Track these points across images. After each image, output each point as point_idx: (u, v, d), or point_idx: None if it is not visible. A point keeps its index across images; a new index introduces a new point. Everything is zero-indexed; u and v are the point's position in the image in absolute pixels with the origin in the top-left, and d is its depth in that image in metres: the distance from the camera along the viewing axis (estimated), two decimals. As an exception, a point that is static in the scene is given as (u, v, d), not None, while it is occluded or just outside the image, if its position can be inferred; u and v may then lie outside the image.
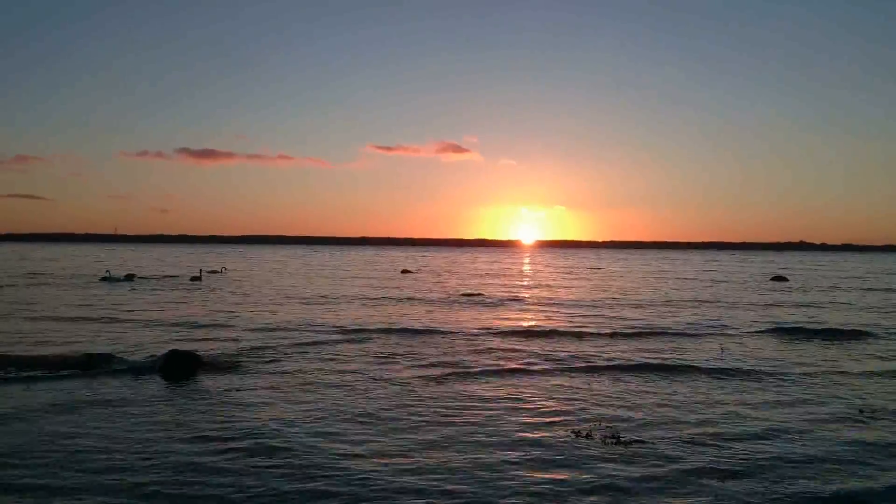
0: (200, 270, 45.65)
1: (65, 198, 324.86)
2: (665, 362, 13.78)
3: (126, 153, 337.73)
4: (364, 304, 25.96)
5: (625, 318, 21.91)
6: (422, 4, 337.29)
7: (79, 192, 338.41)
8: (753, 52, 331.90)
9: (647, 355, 14.67)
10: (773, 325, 19.98)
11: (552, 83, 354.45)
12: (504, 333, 18.01)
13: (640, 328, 19.32)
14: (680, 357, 14.55)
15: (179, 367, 12.37)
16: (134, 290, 32.18)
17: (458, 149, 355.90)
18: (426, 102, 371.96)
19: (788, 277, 49.66)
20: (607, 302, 27.75)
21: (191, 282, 39.59)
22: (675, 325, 19.98)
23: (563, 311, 24.27)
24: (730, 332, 18.95)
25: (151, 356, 13.23)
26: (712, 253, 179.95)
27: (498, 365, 13.30)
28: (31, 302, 25.03)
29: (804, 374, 12.75)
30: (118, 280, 38.92)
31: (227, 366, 12.89)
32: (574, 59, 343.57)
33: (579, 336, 17.68)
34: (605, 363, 13.65)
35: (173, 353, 12.77)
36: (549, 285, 39.67)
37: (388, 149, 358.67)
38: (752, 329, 19.37)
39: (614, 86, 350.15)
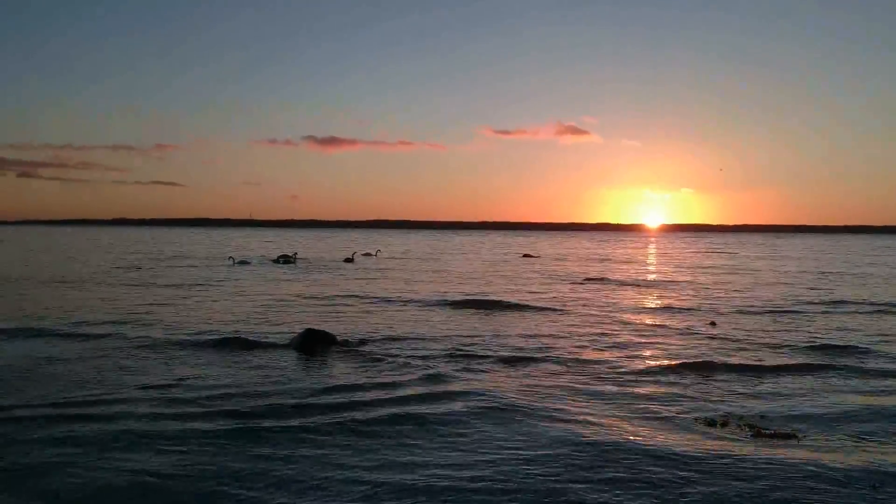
0: (354, 253, 46.76)
1: (201, 184, 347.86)
2: None
3: (256, 141, 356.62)
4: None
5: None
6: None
7: (213, 178, 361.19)
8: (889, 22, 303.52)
9: None
10: None
11: (674, 61, 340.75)
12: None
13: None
14: None
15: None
16: (305, 270, 33.22)
17: (576, 130, 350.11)
18: (542, 83, 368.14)
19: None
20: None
21: (344, 262, 40.54)
22: None
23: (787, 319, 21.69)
24: None
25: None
26: (856, 238, 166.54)
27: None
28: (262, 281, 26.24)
29: None
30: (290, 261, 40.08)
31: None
32: (697, 36, 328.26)
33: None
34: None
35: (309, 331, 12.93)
36: (730, 282, 37.21)
37: (505, 132, 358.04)
38: None
39: (740, 63, 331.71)
